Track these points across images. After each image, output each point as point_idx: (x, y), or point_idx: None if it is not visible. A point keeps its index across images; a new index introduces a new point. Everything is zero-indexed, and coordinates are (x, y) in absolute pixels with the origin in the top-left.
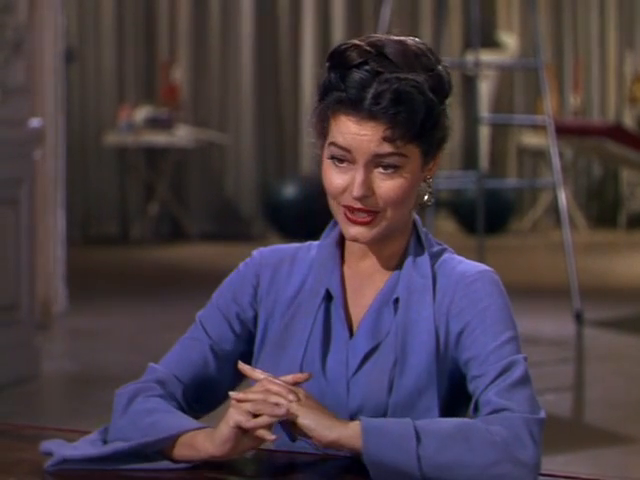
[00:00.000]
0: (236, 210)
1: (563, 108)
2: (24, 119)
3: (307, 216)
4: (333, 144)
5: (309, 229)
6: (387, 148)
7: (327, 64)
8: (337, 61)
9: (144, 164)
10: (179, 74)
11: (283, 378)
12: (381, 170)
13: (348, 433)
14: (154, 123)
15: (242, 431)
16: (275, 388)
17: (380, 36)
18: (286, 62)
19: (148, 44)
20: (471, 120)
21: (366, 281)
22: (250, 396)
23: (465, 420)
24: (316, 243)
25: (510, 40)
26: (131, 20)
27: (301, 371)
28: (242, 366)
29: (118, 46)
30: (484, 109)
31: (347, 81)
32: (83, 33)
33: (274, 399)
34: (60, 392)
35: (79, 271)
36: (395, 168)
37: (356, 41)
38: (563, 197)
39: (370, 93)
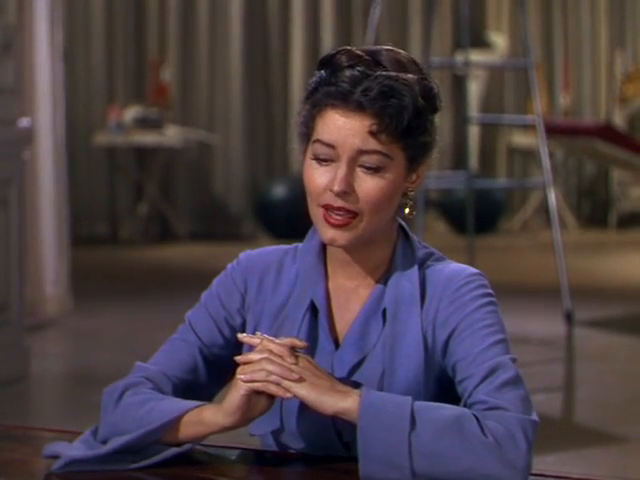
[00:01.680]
0: (225, 210)
1: (553, 108)
2: (14, 119)
3: (296, 216)
4: (318, 141)
5: (298, 229)
6: (372, 145)
7: (317, 67)
8: (327, 64)
9: (133, 164)
10: (168, 74)
11: (281, 341)
12: (364, 170)
13: (345, 407)
14: (143, 123)
15: (252, 397)
16: (276, 349)
17: (372, 46)
18: (275, 62)
19: (137, 44)
20: (461, 120)
21: (351, 295)
22: (254, 356)
23: (464, 411)
24: (301, 247)
25: (500, 40)
26: (120, 20)
27: None
28: (241, 336)
29: (107, 46)
30: (474, 109)
31: (338, 76)
32: (73, 33)
33: (277, 359)
34: (49, 393)
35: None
36: (377, 169)
37: (346, 47)
38: (553, 197)
39: (359, 89)
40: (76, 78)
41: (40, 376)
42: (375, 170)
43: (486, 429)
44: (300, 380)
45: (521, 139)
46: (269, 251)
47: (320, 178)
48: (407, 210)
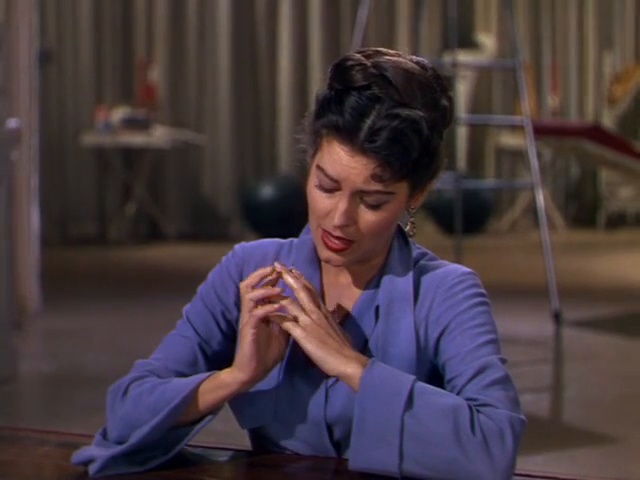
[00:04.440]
0: (213, 210)
1: (541, 109)
2: (2, 120)
3: (284, 216)
4: (322, 170)
5: (286, 229)
6: (374, 186)
7: (329, 75)
8: (340, 77)
9: (121, 164)
10: (156, 75)
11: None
12: (365, 204)
13: (347, 372)
14: (131, 123)
15: (261, 345)
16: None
17: (387, 57)
18: (263, 62)
19: (125, 45)
20: None
21: (345, 291)
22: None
23: (462, 403)
24: (297, 241)
25: (488, 41)
26: (108, 21)
27: (280, 377)
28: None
29: (95, 47)
30: (462, 109)
31: (345, 105)
32: (61, 34)
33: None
34: (37, 393)
35: (57, 271)
36: (379, 205)
37: (362, 59)
38: (541, 197)
39: (366, 124)
40: (64, 79)
41: (27, 376)
42: (376, 206)
43: (476, 425)
44: (308, 335)
45: (509, 140)
46: (265, 243)
47: (323, 203)
48: (408, 227)
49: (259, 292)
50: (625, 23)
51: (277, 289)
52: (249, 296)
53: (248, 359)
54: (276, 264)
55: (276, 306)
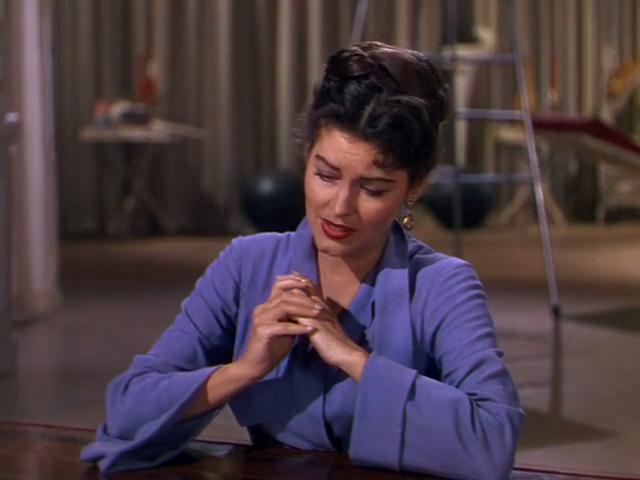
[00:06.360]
0: (213, 205)
1: (540, 103)
2: (1, 114)
3: (284, 211)
4: (322, 159)
5: (286, 224)
6: (375, 173)
7: (326, 67)
8: (337, 69)
9: (120, 159)
10: (156, 69)
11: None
12: (366, 191)
13: (351, 360)
14: (130, 118)
15: (274, 342)
16: (294, 294)
17: (384, 48)
18: (263, 57)
19: (125, 39)
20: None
21: (341, 289)
22: (271, 304)
23: (463, 397)
24: (294, 236)
25: (487, 35)
26: (108, 15)
27: (279, 372)
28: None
29: (95, 41)
30: (461, 104)
31: (345, 93)
32: (60, 28)
33: (294, 299)
34: (38, 388)
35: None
36: (380, 192)
37: (359, 50)
38: (540, 192)
39: (367, 111)
40: (63, 73)
41: (28, 371)
42: (377, 193)
43: (476, 419)
44: (319, 317)
45: (508, 134)
46: (263, 238)
47: (322, 192)
48: (405, 219)
49: (296, 300)
50: (624, 17)
51: (316, 309)
52: (286, 308)
53: (261, 358)
54: (280, 277)
55: (308, 329)
